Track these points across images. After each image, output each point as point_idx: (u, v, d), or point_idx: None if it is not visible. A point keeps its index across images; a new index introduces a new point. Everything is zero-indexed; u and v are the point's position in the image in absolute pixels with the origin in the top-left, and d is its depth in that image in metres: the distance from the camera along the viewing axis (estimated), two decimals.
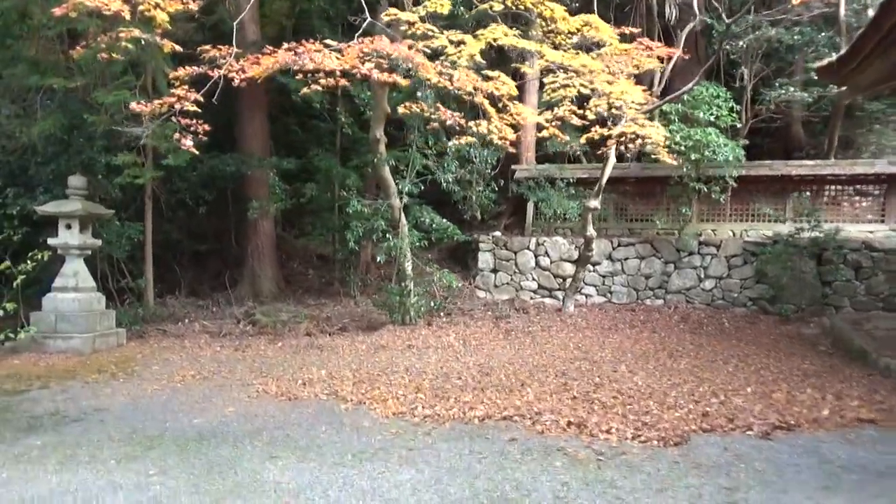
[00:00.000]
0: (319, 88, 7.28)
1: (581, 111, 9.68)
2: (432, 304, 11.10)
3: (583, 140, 11.15)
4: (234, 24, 7.57)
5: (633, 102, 9.72)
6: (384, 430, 5.55)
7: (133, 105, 6.60)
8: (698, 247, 12.43)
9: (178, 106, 6.37)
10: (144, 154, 10.27)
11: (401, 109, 9.71)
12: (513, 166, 14.73)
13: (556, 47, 9.94)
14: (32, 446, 5.24)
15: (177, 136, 6.47)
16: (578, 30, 9.99)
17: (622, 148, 10.65)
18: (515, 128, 9.44)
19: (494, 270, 13.62)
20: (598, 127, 9.85)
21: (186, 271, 14.28)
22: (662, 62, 11.33)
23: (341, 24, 14.05)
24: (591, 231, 11.54)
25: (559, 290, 13.13)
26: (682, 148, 11.59)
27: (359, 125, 13.24)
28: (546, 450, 5.01)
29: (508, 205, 15.31)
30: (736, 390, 6.65)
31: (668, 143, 11.56)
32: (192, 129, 6.37)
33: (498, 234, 13.94)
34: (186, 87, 6.42)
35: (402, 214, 10.97)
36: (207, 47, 7.07)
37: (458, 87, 8.36)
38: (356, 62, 7.38)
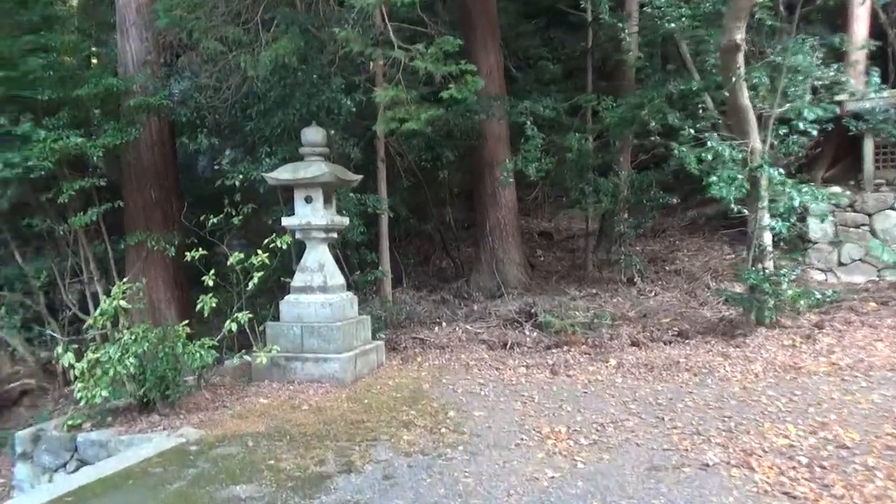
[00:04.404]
0: None
1: None
2: (818, 295, 7.20)
3: None
4: None
5: None
6: None
7: None
8: None
9: None
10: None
11: None
12: (836, 97, 10.52)
13: None
14: None
15: None
16: None
17: None
18: None
19: (836, 242, 9.61)
20: None
21: (405, 257, 11.31)
22: None
23: None
24: None
25: None
26: None
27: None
28: None
29: (826, 149, 11.11)
30: None
31: None
32: None
33: (837, 189, 9.87)
34: None
35: (765, 163, 7.18)
36: None
37: None
38: None
